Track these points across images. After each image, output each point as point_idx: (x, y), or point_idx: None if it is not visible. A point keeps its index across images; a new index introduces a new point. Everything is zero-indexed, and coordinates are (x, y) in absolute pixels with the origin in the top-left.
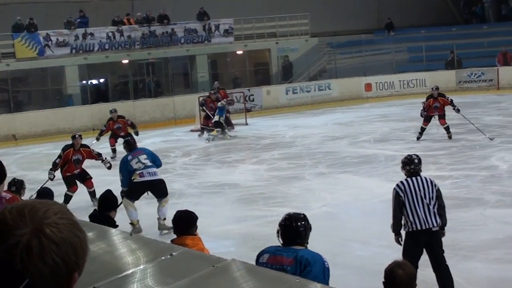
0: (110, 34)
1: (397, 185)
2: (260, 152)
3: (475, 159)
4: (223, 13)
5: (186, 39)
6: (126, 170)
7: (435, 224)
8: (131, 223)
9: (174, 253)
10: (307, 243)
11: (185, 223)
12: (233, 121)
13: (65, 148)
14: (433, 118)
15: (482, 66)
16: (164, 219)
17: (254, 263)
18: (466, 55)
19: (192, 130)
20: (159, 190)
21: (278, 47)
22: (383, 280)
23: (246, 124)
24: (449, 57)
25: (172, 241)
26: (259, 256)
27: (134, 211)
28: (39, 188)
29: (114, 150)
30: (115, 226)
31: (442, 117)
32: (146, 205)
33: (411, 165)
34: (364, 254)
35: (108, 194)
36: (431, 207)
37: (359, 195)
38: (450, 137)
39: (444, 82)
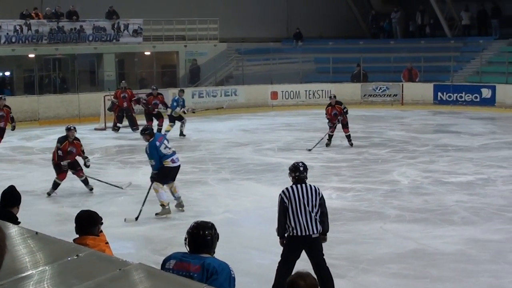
0: (18, 27)
1: (283, 191)
2: None
3: (377, 173)
4: (133, 13)
5: (94, 36)
6: (157, 154)
7: (315, 231)
8: (162, 204)
9: (80, 254)
10: (214, 252)
11: (87, 223)
12: (140, 123)
13: (61, 140)
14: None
15: (388, 81)
16: (180, 197)
17: (155, 266)
18: (372, 69)
19: (96, 129)
20: (176, 175)
21: (186, 50)
22: None
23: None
24: (355, 70)
25: (74, 240)
26: (165, 261)
27: (164, 193)
28: None
29: None
30: (17, 223)
31: (345, 126)
32: (46, 200)
33: (296, 172)
34: (263, 262)
35: (12, 189)
36: (313, 214)
37: (261, 203)
38: (351, 145)
39: (349, 94)
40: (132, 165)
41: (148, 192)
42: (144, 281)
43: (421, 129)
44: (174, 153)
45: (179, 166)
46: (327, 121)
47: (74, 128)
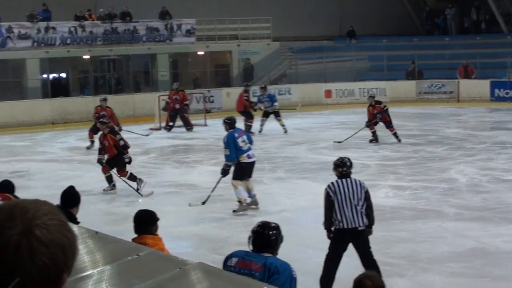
0: (72, 29)
1: (328, 185)
2: (219, 153)
3: (434, 171)
4: (186, 13)
5: (148, 37)
6: (233, 145)
7: (361, 224)
8: (239, 201)
9: (141, 254)
10: (277, 253)
11: (146, 222)
12: (193, 122)
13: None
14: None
15: (443, 78)
16: (255, 195)
17: (213, 265)
18: (427, 66)
19: (151, 129)
20: (252, 171)
21: (239, 50)
22: None
23: (205, 125)
24: (410, 67)
25: (133, 240)
26: (227, 259)
27: (242, 190)
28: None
29: (93, 142)
30: (76, 223)
31: (388, 125)
32: (103, 201)
33: (343, 167)
34: (321, 261)
35: (71, 190)
36: (358, 207)
37: (317, 202)
38: (399, 141)
39: (404, 92)
40: (188, 165)
41: (217, 182)
42: (204, 280)
43: (478, 126)
44: (249, 149)
45: (254, 162)
46: (366, 122)
47: (104, 121)
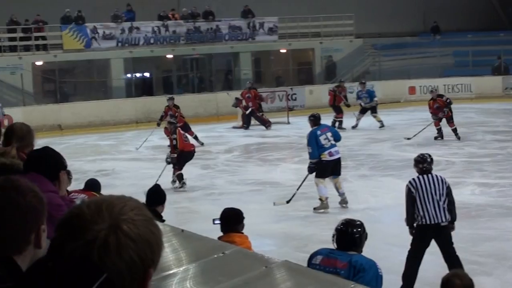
0: (156, 28)
1: (410, 182)
2: (302, 151)
3: None
4: (268, 12)
5: (231, 36)
6: (315, 143)
7: (443, 219)
8: (320, 199)
9: (226, 252)
10: (362, 250)
11: (233, 220)
12: (275, 119)
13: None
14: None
15: None
16: (344, 193)
17: (296, 263)
18: None
19: (234, 127)
20: (338, 168)
21: (322, 47)
22: None
23: (288, 123)
24: (496, 62)
25: (219, 238)
26: (312, 256)
27: (324, 188)
28: (87, 179)
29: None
30: (161, 221)
31: (449, 120)
32: (187, 199)
33: (424, 164)
34: (405, 259)
35: (157, 188)
36: (440, 203)
37: (402, 199)
38: (458, 138)
39: (490, 88)
40: (271, 163)
41: (303, 180)
42: (290, 278)
43: None
44: (332, 146)
45: (338, 159)
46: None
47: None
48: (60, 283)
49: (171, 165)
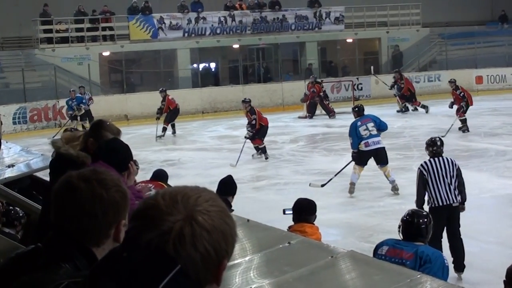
0: (222, 18)
1: (421, 165)
2: None
3: None
4: (334, 1)
5: (297, 25)
6: (355, 134)
7: (455, 200)
8: (351, 183)
9: (292, 242)
10: (428, 240)
11: (306, 210)
12: (341, 109)
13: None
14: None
15: None
16: (394, 181)
17: (363, 253)
18: None
19: (299, 117)
20: (382, 157)
21: (388, 36)
22: (504, 278)
23: None
24: None
25: (290, 227)
26: (377, 247)
27: (354, 175)
28: (155, 170)
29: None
30: (230, 210)
31: (459, 110)
32: (253, 189)
33: (434, 147)
34: (472, 250)
35: (229, 179)
36: (452, 185)
37: (468, 190)
38: (463, 131)
39: None
40: (336, 153)
41: (343, 167)
42: (356, 268)
43: None
44: (372, 136)
45: (377, 149)
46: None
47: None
48: (134, 274)
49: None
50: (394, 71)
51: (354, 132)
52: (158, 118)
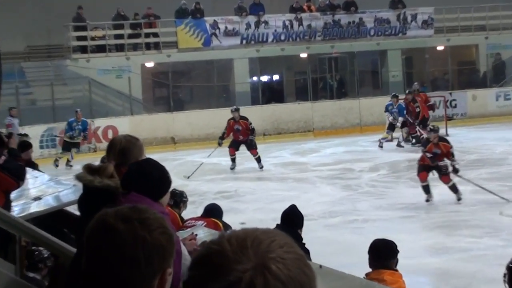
0: (287, 22)
1: None
2: (463, 169)
3: None
4: (422, 1)
5: (377, 30)
6: None
7: None
8: None
9: None
10: None
11: (384, 254)
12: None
13: (228, 120)
14: None
15: None
16: None
17: None
18: None
19: (381, 140)
20: None
21: (487, 43)
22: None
23: (447, 135)
24: None
25: (367, 275)
26: None
27: None
28: (207, 204)
29: (233, 160)
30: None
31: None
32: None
33: None
34: None
35: (294, 209)
36: None
37: None
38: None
39: None
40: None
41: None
42: None
43: None
44: None
45: None
46: None
47: (235, 109)
48: None
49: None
50: (407, 92)
51: None
52: (220, 144)
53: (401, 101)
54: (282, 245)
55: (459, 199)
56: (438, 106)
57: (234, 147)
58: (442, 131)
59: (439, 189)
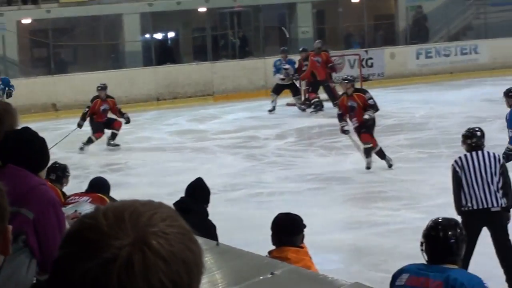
0: None
1: (455, 160)
2: (381, 135)
3: None
4: None
5: None
6: None
7: (494, 204)
8: None
9: (276, 272)
10: (461, 260)
11: (289, 230)
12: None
13: (92, 99)
14: None
15: None
16: None
17: (370, 285)
18: None
19: (288, 104)
20: None
21: None
22: None
23: None
24: None
25: (270, 253)
26: (395, 276)
27: None
28: (92, 178)
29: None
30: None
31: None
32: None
33: (473, 139)
34: None
35: (200, 182)
36: (492, 185)
37: None
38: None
39: None
40: (338, 151)
41: None
42: None
43: None
44: None
45: None
46: None
47: (102, 87)
48: None
49: None
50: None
51: None
52: (80, 126)
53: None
54: (165, 218)
55: (389, 165)
56: (352, 66)
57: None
58: None
59: (353, 158)
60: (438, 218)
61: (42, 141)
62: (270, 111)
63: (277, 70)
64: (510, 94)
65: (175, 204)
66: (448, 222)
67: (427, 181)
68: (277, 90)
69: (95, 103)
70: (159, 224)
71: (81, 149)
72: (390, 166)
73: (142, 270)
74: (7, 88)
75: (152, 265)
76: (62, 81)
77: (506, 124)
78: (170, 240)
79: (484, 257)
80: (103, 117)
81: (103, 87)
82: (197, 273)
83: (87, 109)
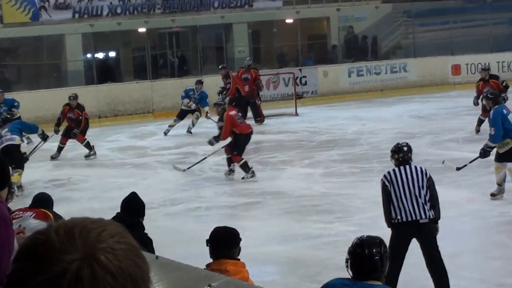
0: None
1: (384, 175)
2: (314, 151)
3: None
4: None
5: (221, 2)
6: (500, 124)
7: (423, 216)
8: (498, 184)
9: (213, 284)
10: (385, 276)
11: (226, 243)
12: (280, 110)
13: (64, 105)
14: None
15: None
16: None
17: None
18: None
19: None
20: None
21: (340, 15)
22: None
23: (296, 114)
24: None
25: (208, 266)
26: None
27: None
28: (36, 194)
29: (60, 150)
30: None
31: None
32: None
33: (400, 154)
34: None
35: (134, 196)
36: (420, 198)
37: (444, 211)
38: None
39: None
40: (274, 167)
41: (464, 166)
42: None
43: None
44: None
45: None
46: (475, 98)
47: (74, 96)
48: None
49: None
50: (220, 68)
51: (499, 122)
52: (56, 132)
53: None
54: (113, 235)
55: (243, 177)
56: (287, 84)
57: (67, 136)
58: (291, 110)
59: (288, 173)
60: (363, 236)
61: (2, 162)
62: (165, 133)
63: (186, 95)
64: (489, 96)
65: (112, 219)
66: (373, 240)
67: (359, 195)
68: (181, 115)
69: (64, 109)
70: (107, 240)
71: (53, 158)
72: (243, 178)
73: (90, 284)
74: (13, 109)
75: (100, 279)
76: None
77: (489, 124)
78: (118, 256)
79: (415, 268)
80: (70, 124)
81: (74, 97)
82: (144, 286)
83: (60, 115)
